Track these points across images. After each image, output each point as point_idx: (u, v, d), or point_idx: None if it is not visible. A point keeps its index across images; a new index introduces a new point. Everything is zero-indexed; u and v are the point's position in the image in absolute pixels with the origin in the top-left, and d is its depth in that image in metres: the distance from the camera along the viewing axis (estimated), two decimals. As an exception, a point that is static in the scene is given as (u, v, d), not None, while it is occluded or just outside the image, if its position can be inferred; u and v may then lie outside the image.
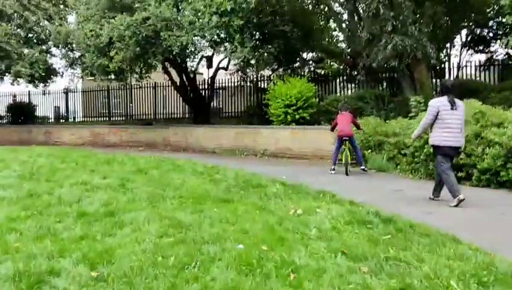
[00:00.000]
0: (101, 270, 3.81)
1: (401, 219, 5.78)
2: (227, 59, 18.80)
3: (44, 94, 24.69)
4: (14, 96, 24.12)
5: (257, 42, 15.72)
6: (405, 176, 10.25)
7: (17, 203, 6.51)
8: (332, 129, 11.27)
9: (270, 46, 16.12)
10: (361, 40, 14.47)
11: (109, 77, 18.99)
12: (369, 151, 11.61)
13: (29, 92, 24.04)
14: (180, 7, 15.59)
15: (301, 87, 15.07)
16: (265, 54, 16.23)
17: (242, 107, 19.94)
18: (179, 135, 17.29)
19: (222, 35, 15.77)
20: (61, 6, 19.68)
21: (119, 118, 24.09)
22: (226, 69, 18.92)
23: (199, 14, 14.95)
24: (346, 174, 10.37)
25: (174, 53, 15.42)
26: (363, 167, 10.72)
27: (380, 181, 9.65)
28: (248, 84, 20.00)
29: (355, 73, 16.59)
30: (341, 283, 3.63)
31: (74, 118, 24.71)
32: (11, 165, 10.78)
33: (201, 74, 24.69)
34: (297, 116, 14.84)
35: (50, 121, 24.97)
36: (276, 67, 20.04)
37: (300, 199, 7.23)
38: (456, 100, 6.71)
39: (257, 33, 16.35)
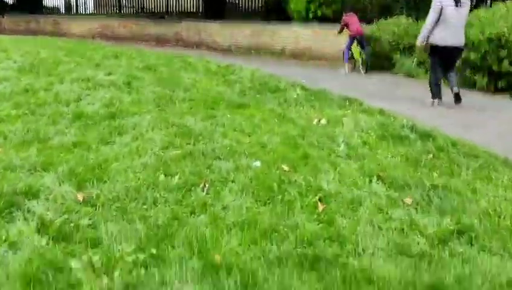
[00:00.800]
0: (89, 191, 3.12)
1: (441, 135, 4.98)
2: None
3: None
4: None
5: None
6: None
7: (10, 100, 5.77)
8: (341, 31, 11.10)
9: None
10: None
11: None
12: (398, 54, 10.51)
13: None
14: None
15: (327, -21, 13.58)
16: None
17: (260, 2, 18.37)
18: (191, 30, 16.07)
19: None
20: None
21: (130, 11, 22.62)
22: None
23: None
24: (366, 71, 10.49)
25: None
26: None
27: (408, 87, 8.72)
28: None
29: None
30: (382, 220, 2.91)
31: (79, 11, 23.18)
32: (13, 56, 9.90)
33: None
34: (319, 13, 13.54)
35: (62, 11, 23.54)
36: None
37: (324, 106, 6.40)
38: None
39: None
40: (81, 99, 5.97)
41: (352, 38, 10.69)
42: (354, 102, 6.68)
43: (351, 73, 10.77)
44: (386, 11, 12.39)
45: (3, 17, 19.50)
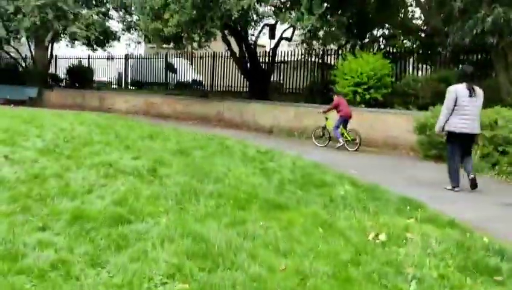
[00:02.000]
0: None
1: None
2: (291, 29, 16.65)
3: (106, 59, 23.52)
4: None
5: (328, 9, 13.40)
6: (505, 181, 7.90)
7: (10, 190, 4.87)
8: (328, 111, 11.50)
9: (341, 14, 13.78)
10: (445, 14, 11.96)
11: (166, 43, 17.38)
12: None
13: (88, 56, 22.88)
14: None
15: (375, 63, 12.74)
16: (335, 24, 13.90)
17: (304, 84, 17.72)
18: (233, 110, 15.44)
19: (288, 0, 13.61)
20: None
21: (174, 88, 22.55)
22: (289, 40, 16.69)
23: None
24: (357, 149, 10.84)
25: (233, 18, 13.42)
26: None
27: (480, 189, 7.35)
28: (313, 58, 17.71)
29: (440, 50, 13.94)
30: None
31: (132, 84, 23.30)
32: (44, 133, 9.32)
33: (263, 46, 22.53)
34: (367, 97, 12.61)
35: (113, 86, 23.75)
36: (343, 42, 17.66)
37: (379, 210, 5.16)
38: (475, 87, 6.43)
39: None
40: (91, 191, 5.01)
41: (342, 119, 11.08)
42: (415, 205, 5.42)
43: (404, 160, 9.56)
44: (438, 97, 11.31)
45: (52, 91, 19.68)
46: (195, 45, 17.95)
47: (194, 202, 4.90)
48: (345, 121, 11.10)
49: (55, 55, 23.54)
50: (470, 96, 6.35)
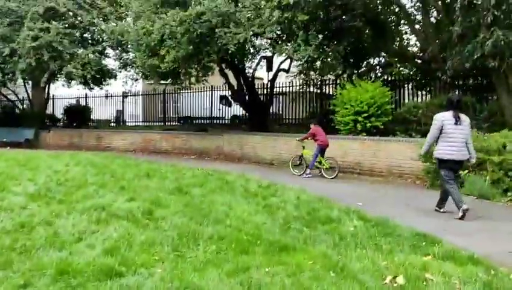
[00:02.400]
0: None
1: None
2: (288, 60, 16.51)
3: (105, 97, 23.38)
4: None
5: (324, 40, 13.26)
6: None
7: (-8, 242, 4.48)
8: (304, 139, 11.77)
9: (337, 44, 13.65)
10: (442, 40, 11.80)
11: (164, 79, 17.22)
12: (466, 172, 8.83)
13: (86, 94, 22.78)
14: (238, 1, 13.43)
15: (374, 91, 12.47)
16: (332, 54, 13.75)
17: (304, 114, 17.51)
18: (233, 143, 15.14)
19: (284, 32, 13.46)
20: (117, 5, 18.03)
21: (175, 123, 22.33)
22: (287, 71, 16.54)
23: (259, 8, 12.75)
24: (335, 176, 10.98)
25: (230, 52, 13.26)
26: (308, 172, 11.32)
27: (483, 211, 6.95)
28: (311, 88, 17.53)
29: (439, 75, 13.70)
30: None
31: (126, 122, 23.09)
32: (37, 177, 8.98)
33: (261, 78, 22.41)
34: (368, 125, 12.28)
35: (112, 124, 23.50)
36: (340, 72, 17.52)
37: (393, 247, 4.76)
38: (461, 115, 6.52)
39: (323, 30, 13.86)
40: (81, 240, 4.61)
41: (320, 148, 11.27)
42: (430, 240, 5.02)
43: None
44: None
45: (49, 132, 19.42)
46: (193, 79, 17.85)
47: (193, 247, 4.50)
48: (322, 149, 11.31)
49: (53, 95, 23.42)
50: (456, 123, 6.42)
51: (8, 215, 5.53)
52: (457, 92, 14.27)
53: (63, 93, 22.87)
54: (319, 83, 17.26)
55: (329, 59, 14.16)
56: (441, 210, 6.87)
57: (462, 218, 6.28)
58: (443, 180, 6.74)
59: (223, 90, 19.56)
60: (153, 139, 17.35)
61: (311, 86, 17.44)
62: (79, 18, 17.40)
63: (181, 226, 5.24)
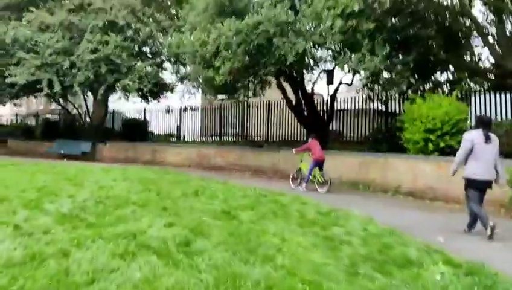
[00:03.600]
0: None
1: None
2: (350, 75, 15.20)
3: (166, 111, 22.99)
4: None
5: (391, 51, 11.88)
6: None
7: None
8: (299, 151, 11.87)
9: (406, 55, 12.28)
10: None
11: (220, 93, 16.45)
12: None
13: (144, 109, 22.47)
14: (297, 9, 12.38)
15: (448, 107, 10.95)
16: (400, 66, 12.33)
17: (367, 131, 16.08)
18: (289, 161, 13.93)
19: (347, 43, 12.22)
20: (175, 19, 17.54)
21: (231, 138, 21.48)
22: (349, 84, 15.17)
23: (320, 18, 11.62)
24: (328, 191, 10.84)
25: (288, 64, 12.21)
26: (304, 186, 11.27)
27: None
28: (375, 104, 16.06)
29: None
30: None
31: (183, 136, 22.44)
32: (79, 193, 8.26)
33: (321, 95, 21.16)
34: (442, 144, 10.76)
35: (172, 139, 23.03)
36: (405, 88, 16.00)
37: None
38: (491, 134, 6.35)
39: (390, 40, 12.47)
40: (94, 282, 3.61)
41: (315, 162, 11.23)
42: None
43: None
44: None
45: (105, 144, 19.13)
46: (250, 93, 16.96)
47: (232, 299, 3.39)
48: (317, 164, 11.26)
49: (113, 110, 23.36)
50: (486, 142, 6.26)
51: (24, 241, 4.67)
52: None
53: (123, 107, 22.75)
54: (383, 98, 15.77)
55: (395, 72, 12.72)
56: (469, 232, 6.60)
57: (491, 237, 6.04)
58: (469, 200, 6.50)
59: (280, 104, 18.47)
60: (208, 154, 16.54)
61: (375, 101, 15.98)
62: (137, 31, 17.00)
63: (221, 265, 4.15)
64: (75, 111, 21.54)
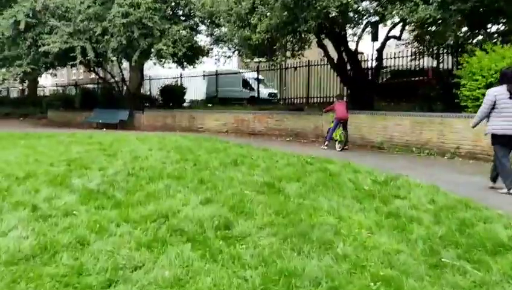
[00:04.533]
0: None
1: None
2: (397, 28, 13.78)
3: (198, 76, 22.19)
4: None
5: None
6: None
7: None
8: (326, 111, 12.06)
9: (463, 2, 10.78)
10: None
11: (257, 55, 15.40)
12: None
13: (180, 74, 21.71)
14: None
15: (513, 58, 9.58)
16: (457, 13, 10.85)
17: (413, 89, 14.72)
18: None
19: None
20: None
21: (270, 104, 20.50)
22: (399, 38, 13.72)
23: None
24: (341, 149, 10.98)
25: (330, 17, 11.01)
26: (346, 147, 11.16)
27: None
28: (425, 59, 14.63)
29: None
30: None
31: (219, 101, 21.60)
32: (112, 164, 7.61)
33: (361, 53, 19.66)
34: (505, 100, 9.41)
35: (209, 104, 22.28)
36: (455, 40, 14.40)
37: None
38: None
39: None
40: (111, 286, 2.84)
41: (337, 121, 11.20)
42: None
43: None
44: None
45: (143, 113, 18.55)
46: (288, 54, 15.82)
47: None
48: (339, 123, 11.19)
49: (149, 76, 22.71)
50: (510, 98, 5.98)
51: (38, 227, 3.97)
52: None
53: (161, 73, 22.08)
54: (434, 51, 14.30)
55: (452, 21, 11.25)
56: (492, 185, 6.39)
57: (509, 193, 5.93)
58: (496, 156, 6.27)
59: (321, 64, 17.27)
60: (246, 119, 15.66)
61: (426, 55, 14.53)
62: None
63: (269, 257, 3.31)
64: (112, 79, 20.98)
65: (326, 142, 11.42)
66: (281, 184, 6.06)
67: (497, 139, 6.25)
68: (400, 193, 5.70)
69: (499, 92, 6.08)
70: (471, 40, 14.18)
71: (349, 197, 5.40)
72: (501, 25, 15.65)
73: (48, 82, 36.26)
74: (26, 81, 23.01)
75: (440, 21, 11.55)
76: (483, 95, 9.96)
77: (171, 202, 4.90)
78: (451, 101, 10.91)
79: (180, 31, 15.97)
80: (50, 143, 10.84)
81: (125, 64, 20.46)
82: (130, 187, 5.72)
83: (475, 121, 6.54)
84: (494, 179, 6.43)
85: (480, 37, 14.68)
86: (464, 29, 14.45)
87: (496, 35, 16.60)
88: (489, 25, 15.25)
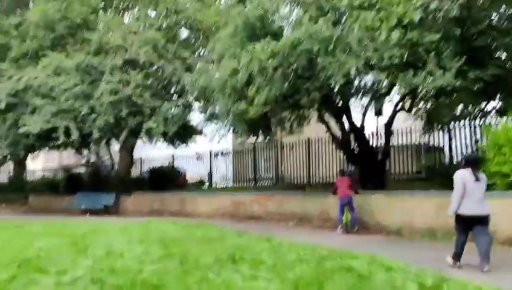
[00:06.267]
0: None
1: None
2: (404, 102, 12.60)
3: (191, 157, 20.74)
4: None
5: (465, 64, 9.34)
6: None
7: None
8: (334, 193, 10.66)
9: (482, 70, 9.74)
10: None
11: (252, 132, 14.11)
12: None
13: (173, 155, 20.27)
14: (343, 24, 10.08)
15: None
16: (476, 82, 9.73)
17: (415, 166, 13.36)
18: (342, 206, 11.29)
19: (406, 59, 9.73)
20: (201, 53, 15.58)
21: (267, 183, 18.92)
22: (409, 110, 12.41)
23: (372, 29, 9.32)
24: (346, 232, 10.08)
25: (335, 89, 9.82)
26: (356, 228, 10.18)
27: None
28: (438, 134, 13.35)
29: None
30: None
31: (215, 183, 20.00)
32: (76, 265, 5.88)
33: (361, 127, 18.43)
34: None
35: (203, 187, 20.65)
36: (460, 111, 13.35)
37: None
38: (479, 173, 6.42)
39: (458, 52, 9.90)
40: None
41: (340, 202, 10.33)
42: None
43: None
44: None
45: (130, 196, 16.86)
46: (286, 130, 14.52)
47: None
48: (344, 204, 10.27)
49: (140, 158, 21.27)
50: (476, 180, 6.27)
51: None
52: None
53: (153, 154, 20.65)
54: (447, 126, 13.04)
55: (472, 89, 10.08)
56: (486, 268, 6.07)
57: (453, 265, 6.26)
58: (457, 232, 6.53)
59: (322, 142, 15.98)
60: (243, 202, 14.00)
61: (439, 130, 13.25)
62: (160, 70, 15.03)
63: None
64: (101, 162, 19.53)
65: (339, 227, 10.33)
66: (297, 294, 4.34)
67: (464, 219, 6.40)
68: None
69: (465, 175, 6.32)
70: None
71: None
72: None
73: (38, 166, 34.73)
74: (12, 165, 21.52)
75: (455, 91, 10.45)
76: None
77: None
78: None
79: (172, 109, 14.78)
80: (11, 236, 9.07)
81: (116, 145, 19.10)
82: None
83: (453, 208, 6.52)
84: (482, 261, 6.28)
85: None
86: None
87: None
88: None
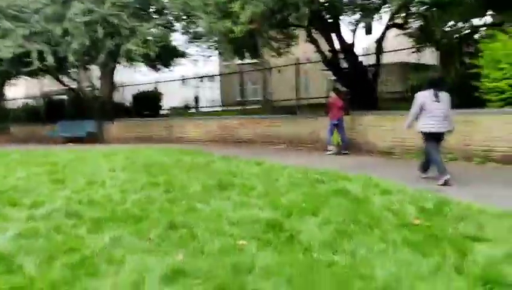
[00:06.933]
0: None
1: None
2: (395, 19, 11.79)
3: (176, 81, 19.89)
4: None
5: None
6: None
7: None
8: (326, 112, 10.37)
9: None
10: None
11: (238, 54, 13.35)
12: None
13: (156, 80, 19.38)
14: None
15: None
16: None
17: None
18: (333, 126, 10.91)
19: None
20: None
21: (256, 106, 18.39)
22: (401, 26, 11.65)
23: None
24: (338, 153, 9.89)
25: (325, 3, 9.02)
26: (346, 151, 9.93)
27: None
28: (432, 49, 12.71)
29: None
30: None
31: (202, 108, 19.41)
32: (54, 196, 5.47)
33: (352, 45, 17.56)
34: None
35: (190, 111, 19.93)
36: (462, 26, 12.60)
37: None
38: (440, 93, 6.55)
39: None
40: None
41: (332, 123, 10.09)
42: None
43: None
44: None
45: (113, 123, 16.28)
46: (274, 52, 13.75)
47: None
48: (334, 125, 10.05)
49: (122, 83, 20.35)
50: (435, 100, 6.50)
51: None
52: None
53: (136, 80, 19.71)
54: (441, 41, 12.35)
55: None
56: (423, 176, 6.85)
57: (444, 185, 6.14)
58: (427, 149, 6.76)
59: (311, 62, 15.26)
60: (231, 126, 13.56)
61: (429, 46, 12.58)
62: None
63: None
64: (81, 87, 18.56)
65: (330, 147, 10.12)
66: (291, 223, 4.00)
67: (426, 135, 6.67)
68: (470, 229, 3.69)
69: (425, 96, 6.57)
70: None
71: (400, 244, 3.36)
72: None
73: (18, 94, 33.46)
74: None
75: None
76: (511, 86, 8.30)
77: (128, 267, 2.79)
78: (468, 95, 9.05)
79: (152, 29, 13.81)
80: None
81: (97, 70, 18.10)
82: (54, 247, 3.56)
83: (407, 122, 6.93)
84: (422, 168, 6.95)
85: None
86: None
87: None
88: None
